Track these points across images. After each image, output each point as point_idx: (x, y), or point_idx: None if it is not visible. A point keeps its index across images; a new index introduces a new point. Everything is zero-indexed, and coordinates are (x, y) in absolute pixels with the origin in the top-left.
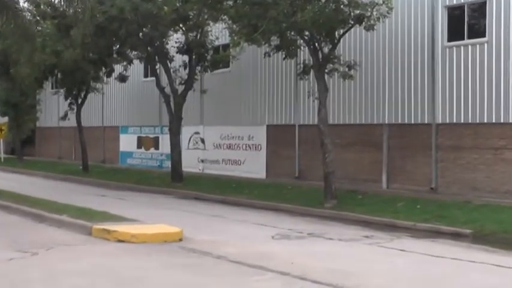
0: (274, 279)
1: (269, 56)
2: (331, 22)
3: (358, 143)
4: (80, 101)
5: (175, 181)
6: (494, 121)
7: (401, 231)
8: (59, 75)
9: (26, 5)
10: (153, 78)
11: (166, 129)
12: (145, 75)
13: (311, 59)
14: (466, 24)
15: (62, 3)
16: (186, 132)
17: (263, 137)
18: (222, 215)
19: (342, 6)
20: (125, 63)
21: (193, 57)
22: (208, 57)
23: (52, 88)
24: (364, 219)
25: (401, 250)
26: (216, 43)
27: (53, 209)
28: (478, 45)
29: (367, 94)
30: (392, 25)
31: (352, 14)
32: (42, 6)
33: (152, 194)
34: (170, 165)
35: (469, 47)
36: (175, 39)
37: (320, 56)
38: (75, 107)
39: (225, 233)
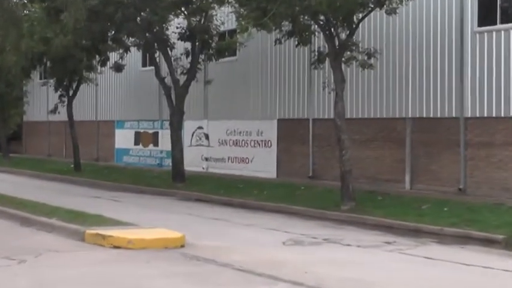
0: None
1: (280, 43)
2: (349, 5)
3: (379, 139)
4: (71, 92)
5: (176, 181)
6: None
7: (427, 236)
8: (48, 64)
9: None
10: (152, 67)
11: (166, 124)
12: (144, 64)
13: (326, 46)
14: (498, 7)
15: None
16: (188, 127)
17: (273, 133)
18: (227, 218)
19: None
20: (121, 50)
21: (197, 44)
22: (213, 45)
23: (40, 78)
24: (385, 223)
25: (426, 258)
26: (222, 29)
27: (42, 211)
28: (511, 31)
29: (389, 85)
30: (416, 8)
31: None
32: None
33: (151, 195)
34: (171, 164)
35: (502, 32)
36: (176, 24)
37: (336, 42)
38: (66, 100)
39: (231, 238)
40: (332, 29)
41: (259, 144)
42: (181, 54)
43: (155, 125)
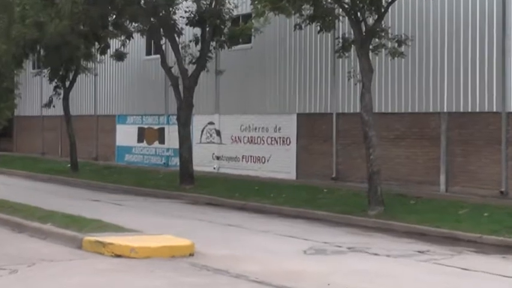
0: None
1: (300, 28)
2: None
3: (410, 136)
4: (67, 84)
5: (184, 183)
6: None
7: (464, 245)
8: (42, 52)
9: None
10: (158, 56)
11: (173, 119)
12: (148, 53)
13: (352, 33)
14: None
15: None
16: (197, 122)
17: (293, 129)
18: (241, 224)
19: None
20: (122, 37)
21: (207, 30)
22: (225, 30)
23: (34, 68)
24: (417, 230)
25: (463, 269)
26: (235, 13)
27: (35, 216)
28: None
29: (421, 76)
30: None
31: None
32: None
33: (156, 198)
34: (178, 163)
35: None
36: (184, 7)
37: (363, 28)
38: (61, 92)
39: (246, 246)
40: (358, 13)
41: (276, 142)
42: (190, 41)
43: (161, 120)
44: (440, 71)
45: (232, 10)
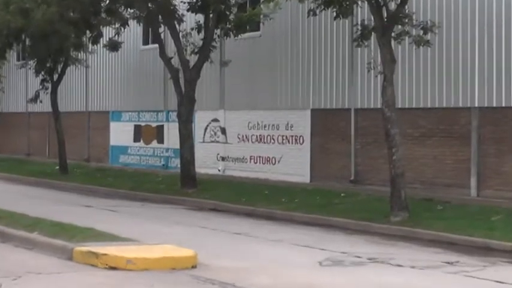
0: None
1: (314, 14)
2: None
3: (438, 133)
4: (55, 77)
5: (186, 186)
6: None
7: (498, 255)
8: (28, 41)
9: None
10: (156, 45)
11: (173, 116)
12: (145, 42)
13: (372, 19)
14: None
15: None
16: (200, 119)
17: (306, 126)
18: (249, 232)
19: None
20: (117, 24)
21: (211, 16)
22: (231, 17)
23: (18, 60)
24: (445, 238)
25: (497, 282)
26: None
27: (20, 224)
28: None
29: (450, 67)
30: None
31: None
32: None
33: (155, 203)
34: (179, 165)
35: None
36: None
37: (385, 14)
38: (49, 86)
39: (255, 257)
40: None
41: (288, 141)
42: (192, 29)
43: (159, 117)
44: (471, 62)
45: None
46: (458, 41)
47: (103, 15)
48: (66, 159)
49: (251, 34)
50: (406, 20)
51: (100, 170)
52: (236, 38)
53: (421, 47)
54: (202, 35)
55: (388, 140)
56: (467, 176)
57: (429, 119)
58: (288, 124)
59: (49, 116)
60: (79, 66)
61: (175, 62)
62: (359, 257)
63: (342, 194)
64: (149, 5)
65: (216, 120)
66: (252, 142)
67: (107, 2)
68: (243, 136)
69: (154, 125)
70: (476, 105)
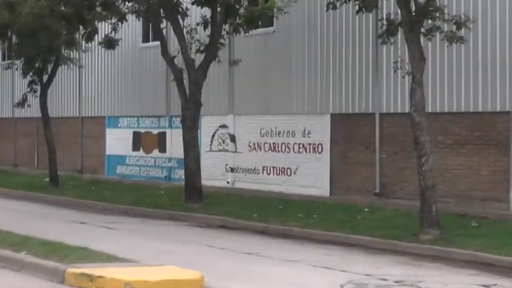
0: None
1: (334, 8)
2: None
3: (473, 141)
4: (45, 78)
5: (191, 200)
6: None
7: None
8: (14, 39)
9: None
10: (158, 43)
11: (177, 121)
12: (146, 39)
13: (399, 13)
14: None
15: None
16: (207, 125)
17: (325, 133)
18: (262, 252)
19: None
20: (114, 20)
21: (218, 10)
22: (242, 11)
23: (4, 59)
24: (481, 258)
25: None
26: None
27: (6, 242)
28: None
29: (486, 66)
30: None
31: None
32: None
33: (156, 220)
34: (183, 176)
35: None
36: None
37: (413, 7)
38: (38, 88)
39: (267, 280)
40: None
41: (305, 149)
42: (198, 25)
43: (161, 123)
44: (510, 60)
45: None
46: (496, 37)
47: (98, 9)
48: (57, 170)
49: (264, 30)
50: (437, 14)
51: (95, 183)
52: (247, 34)
53: (453, 44)
54: (209, 31)
55: (417, 148)
56: (505, 189)
57: (463, 125)
58: (304, 131)
59: (38, 122)
60: (71, 66)
61: (179, 61)
62: (385, 279)
63: (366, 209)
64: None
65: (224, 126)
66: (265, 151)
67: None
68: (254, 144)
69: (155, 131)
70: None
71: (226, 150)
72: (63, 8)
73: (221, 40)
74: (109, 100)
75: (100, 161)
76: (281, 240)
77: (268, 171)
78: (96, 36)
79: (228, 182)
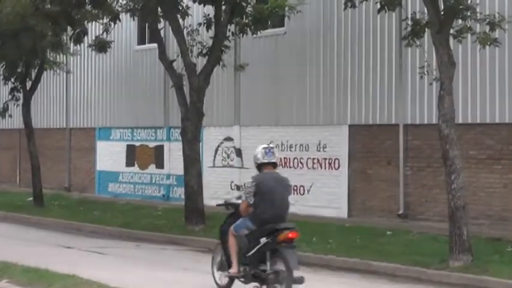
0: None
1: (353, 6)
2: None
3: (508, 155)
4: (29, 84)
5: (192, 222)
6: None
7: None
8: None
9: None
10: (155, 45)
11: (176, 134)
12: (141, 41)
13: (426, 12)
14: None
15: None
16: (210, 137)
17: (343, 146)
18: None
19: None
20: (106, 19)
21: (223, 8)
22: (249, 9)
23: None
24: None
25: None
26: None
27: None
28: None
29: None
30: None
31: None
32: None
33: (153, 244)
34: (183, 196)
35: None
36: None
37: (441, 6)
38: (21, 96)
39: None
40: None
41: (320, 165)
42: (200, 25)
43: (159, 135)
44: None
45: None
46: None
47: (88, 7)
48: (42, 188)
49: (273, 31)
50: (469, 13)
51: (84, 202)
52: (255, 35)
53: (486, 47)
54: (212, 31)
55: (446, 163)
56: None
57: (498, 138)
58: (320, 144)
59: (20, 134)
60: (58, 71)
61: (179, 65)
62: None
63: (388, 232)
64: None
65: (229, 139)
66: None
67: None
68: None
69: (152, 145)
70: None
71: (231, 166)
72: (48, 6)
73: (226, 42)
74: (100, 109)
75: (90, 178)
76: None
77: None
78: (85, 37)
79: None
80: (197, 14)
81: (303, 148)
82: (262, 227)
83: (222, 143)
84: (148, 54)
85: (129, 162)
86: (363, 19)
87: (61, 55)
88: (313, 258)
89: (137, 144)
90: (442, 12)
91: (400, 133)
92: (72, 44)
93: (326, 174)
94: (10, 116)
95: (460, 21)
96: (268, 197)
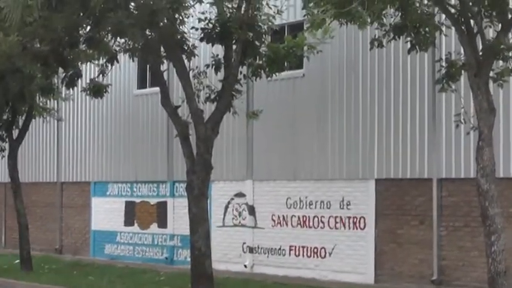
0: None
1: (380, 45)
2: None
3: None
4: (16, 133)
5: None
6: None
7: None
8: None
9: None
10: (157, 89)
11: (181, 189)
12: (142, 85)
13: (462, 52)
14: None
15: None
16: (219, 193)
17: (369, 204)
18: None
19: None
20: (102, 60)
21: (234, 48)
22: (263, 49)
23: None
24: None
25: None
26: (278, 22)
27: None
28: None
29: None
30: None
31: None
32: None
33: None
34: (189, 259)
35: None
36: (198, 14)
37: (479, 45)
38: (6, 146)
39: None
40: (471, 21)
41: (344, 225)
42: (207, 67)
43: (161, 191)
44: None
45: (274, 18)
46: None
47: (82, 46)
48: (30, 249)
49: (291, 73)
50: (510, 54)
51: (77, 266)
52: (270, 78)
53: None
54: (221, 74)
55: (486, 223)
56: None
57: None
58: (343, 201)
59: (6, 189)
60: (48, 118)
61: (184, 112)
62: None
63: None
64: (147, 32)
65: (241, 194)
66: (293, 226)
67: (89, 28)
68: (279, 217)
69: (153, 201)
70: None
71: (243, 225)
72: (37, 46)
73: (237, 86)
74: (95, 161)
75: (84, 239)
76: None
77: (297, 252)
78: (79, 81)
79: (245, 266)
80: (204, 54)
81: (324, 205)
82: None
83: (232, 199)
84: (149, 100)
85: (128, 221)
86: (391, 60)
87: (52, 100)
88: None
89: (137, 200)
90: (481, 53)
91: (433, 188)
92: (64, 87)
93: (350, 234)
94: None
95: (500, 62)
96: None
